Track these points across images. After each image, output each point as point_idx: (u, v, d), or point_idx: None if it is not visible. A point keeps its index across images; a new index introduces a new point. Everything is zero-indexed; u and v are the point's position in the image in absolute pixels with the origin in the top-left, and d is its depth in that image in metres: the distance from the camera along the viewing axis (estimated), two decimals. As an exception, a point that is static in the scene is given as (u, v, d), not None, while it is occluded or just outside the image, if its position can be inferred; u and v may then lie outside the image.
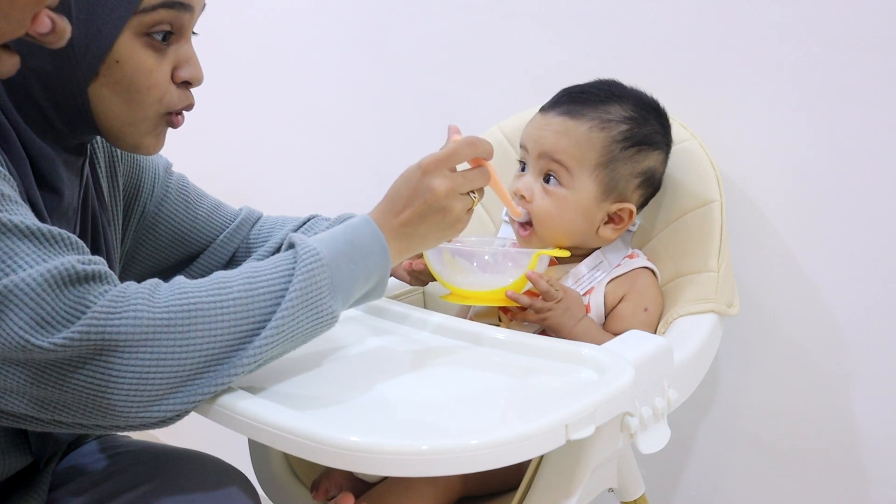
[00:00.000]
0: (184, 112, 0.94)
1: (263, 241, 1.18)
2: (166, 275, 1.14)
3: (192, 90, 0.94)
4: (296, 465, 1.11)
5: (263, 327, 0.81)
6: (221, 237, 1.17)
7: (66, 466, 1.06)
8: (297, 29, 1.71)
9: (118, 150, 1.08)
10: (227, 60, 1.87)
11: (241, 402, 0.82)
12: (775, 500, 1.25)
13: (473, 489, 1.06)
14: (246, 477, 1.02)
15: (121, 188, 1.08)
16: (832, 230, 1.12)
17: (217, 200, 1.20)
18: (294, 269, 0.83)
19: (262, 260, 0.86)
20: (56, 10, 0.82)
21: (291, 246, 0.86)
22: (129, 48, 0.86)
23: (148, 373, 0.76)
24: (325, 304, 0.84)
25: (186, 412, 0.80)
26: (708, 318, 1.06)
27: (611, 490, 1.07)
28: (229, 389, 0.83)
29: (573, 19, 1.30)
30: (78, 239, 0.80)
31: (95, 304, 0.76)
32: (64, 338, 0.74)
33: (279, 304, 0.81)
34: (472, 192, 0.93)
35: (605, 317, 1.10)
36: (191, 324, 0.78)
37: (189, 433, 1.80)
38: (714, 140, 1.16)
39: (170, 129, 0.95)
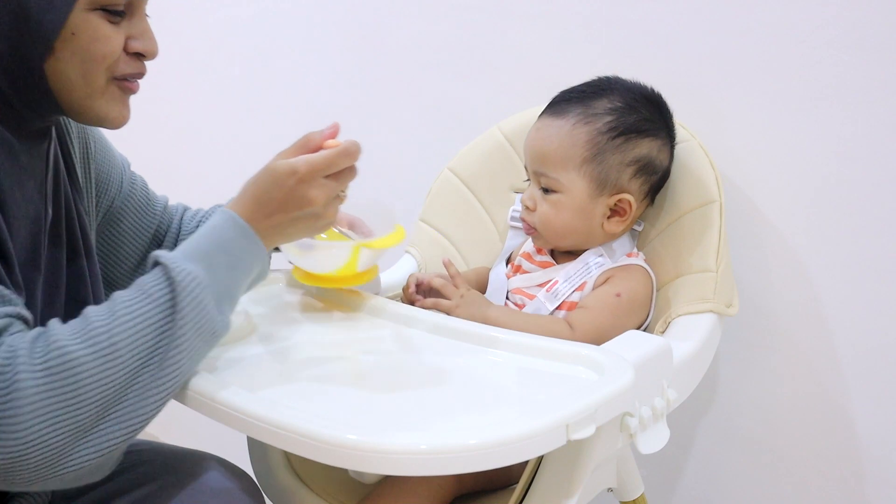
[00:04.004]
0: (138, 81, 0.93)
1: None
2: (131, 273, 1.14)
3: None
4: (295, 464, 1.11)
5: (152, 361, 0.81)
6: (169, 233, 1.18)
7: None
8: (295, 28, 1.71)
9: (92, 144, 1.08)
10: (225, 59, 1.87)
11: (240, 400, 0.82)
12: (774, 499, 1.26)
13: (469, 486, 1.06)
14: (250, 477, 1.02)
15: (93, 181, 1.08)
16: (832, 230, 1.12)
17: (165, 197, 1.21)
18: (173, 297, 0.82)
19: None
20: None
21: (156, 264, 0.84)
22: (85, 19, 0.86)
23: (48, 432, 0.77)
24: (216, 322, 0.85)
25: (101, 459, 0.80)
26: (707, 318, 1.06)
27: (610, 490, 1.07)
28: (227, 387, 0.83)
29: (573, 19, 1.30)
30: None
31: None
32: None
33: (167, 334, 0.81)
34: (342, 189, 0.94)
35: None
36: (76, 380, 0.77)
37: (188, 432, 1.80)
38: (714, 140, 1.16)
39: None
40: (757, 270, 1.19)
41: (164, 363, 0.81)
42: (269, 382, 0.88)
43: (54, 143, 0.97)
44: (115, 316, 0.81)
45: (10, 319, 0.81)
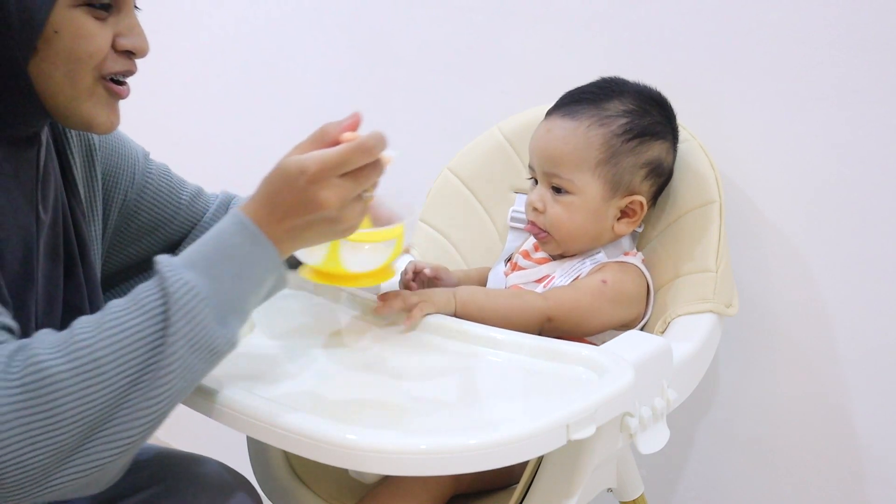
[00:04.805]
0: (127, 82, 0.89)
1: None
2: (148, 264, 1.11)
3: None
4: (295, 464, 1.11)
5: (142, 379, 0.74)
6: (202, 222, 1.13)
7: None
8: (298, 30, 1.71)
9: (96, 141, 1.04)
10: (228, 62, 1.87)
11: (240, 400, 0.82)
12: (774, 499, 1.26)
13: (466, 487, 1.06)
14: (249, 482, 1.02)
15: (99, 179, 1.04)
16: (832, 230, 1.12)
17: (198, 187, 1.16)
18: (167, 310, 0.75)
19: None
20: None
21: (155, 271, 0.77)
22: (68, 16, 0.82)
23: (26, 452, 0.71)
24: (217, 337, 0.77)
25: (88, 478, 0.75)
26: (707, 318, 1.06)
27: (610, 490, 1.07)
28: (227, 387, 0.83)
29: (573, 20, 1.30)
30: None
31: None
32: None
33: (158, 350, 0.74)
34: (366, 189, 0.84)
35: None
36: (54, 398, 0.72)
37: (188, 432, 1.80)
38: (714, 140, 1.16)
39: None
40: (757, 270, 1.19)
41: (154, 382, 0.74)
42: (268, 382, 0.88)
43: (45, 149, 0.94)
44: (102, 329, 0.74)
45: None
